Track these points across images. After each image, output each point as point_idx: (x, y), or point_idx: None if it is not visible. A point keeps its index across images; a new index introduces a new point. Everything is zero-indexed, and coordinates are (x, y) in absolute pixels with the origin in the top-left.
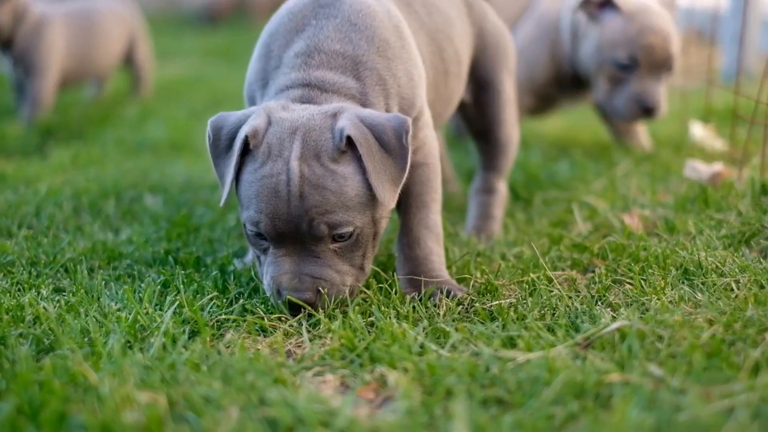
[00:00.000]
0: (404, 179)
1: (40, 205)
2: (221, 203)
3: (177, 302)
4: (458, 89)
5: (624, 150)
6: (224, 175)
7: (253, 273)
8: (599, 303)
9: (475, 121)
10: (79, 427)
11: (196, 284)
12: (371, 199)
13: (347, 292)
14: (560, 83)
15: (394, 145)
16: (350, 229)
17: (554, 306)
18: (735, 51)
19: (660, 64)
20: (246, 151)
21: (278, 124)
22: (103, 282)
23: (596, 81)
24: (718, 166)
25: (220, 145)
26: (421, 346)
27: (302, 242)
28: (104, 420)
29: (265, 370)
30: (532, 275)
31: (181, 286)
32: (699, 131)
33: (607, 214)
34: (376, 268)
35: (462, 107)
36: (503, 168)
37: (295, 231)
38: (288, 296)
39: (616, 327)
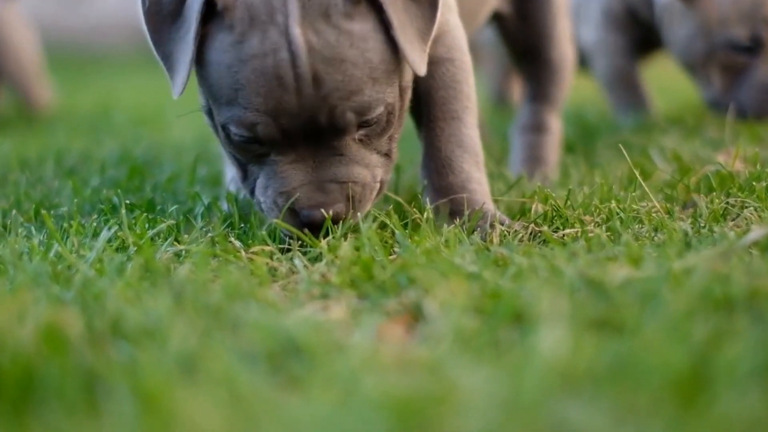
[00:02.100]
0: (434, 31)
1: None
2: (176, 93)
3: (115, 228)
4: None
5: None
6: (176, 55)
7: (227, 206)
8: (715, 228)
9: (517, 37)
10: None
11: (148, 224)
12: (397, 63)
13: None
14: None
15: None
16: (381, 109)
17: (655, 229)
18: None
19: None
20: (210, 15)
21: None
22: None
23: (704, 75)
24: None
25: (163, 9)
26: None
27: (318, 139)
28: None
29: (235, 290)
30: (614, 203)
31: (126, 227)
32: None
33: (695, 154)
34: (399, 199)
35: (500, 22)
36: (556, 98)
37: (310, 128)
38: (310, 215)
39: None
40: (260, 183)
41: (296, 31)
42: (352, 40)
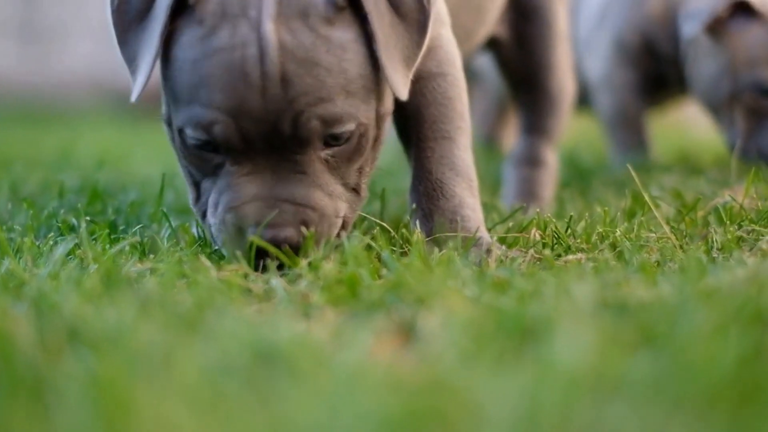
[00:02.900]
0: (420, 57)
1: None
2: (134, 94)
3: (74, 242)
4: (492, 0)
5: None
6: (140, 53)
7: (196, 230)
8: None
9: (514, 64)
10: None
11: (110, 243)
12: (377, 83)
13: (313, 233)
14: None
15: (409, 4)
16: (352, 126)
17: (668, 257)
18: None
19: None
20: (180, 12)
21: None
22: None
23: (728, 117)
24: None
25: (131, 8)
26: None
27: (279, 151)
28: None
29: (207, 300)
30: (618, 231)
31: (85, 242)
32: None
33: (699, 192)
34: (384, 224)
35: (497, 48)
36: (553, 130)
37: (271, 134)
38: (253, 238)
39: None
40: (211, 200)
41: (268, 27)
42: (328, 45)
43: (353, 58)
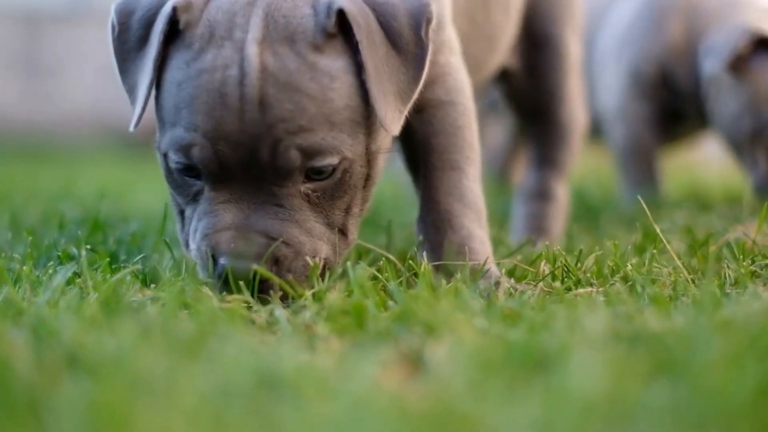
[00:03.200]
0: (417, 93)
1: None
2: (132, 123)
3: (73, 269)
4: (503, 29)
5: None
6: (138, 81)
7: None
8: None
9: (525, 95)
10: None
11: (110, 272)
12: (367, 116)
13: (318, 264)
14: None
15: (407, 37)
16: (335, 159)
17: (681, 291)
18: None
19: None
20: (174, 37)
21: None
22: None
23: (750, 155)
24: None
25: (131, 36)
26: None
27: (258, 180)
28: None
29: (210, 326)
30: (629, 265)
31: (85, 269)
32: None
33: (710, 228)
34: (390, 256)
35: (508, 79)
36: (564, 163)
37: (249, 161)
38: (225, 265)
39: None
40: (192, 227)
41: (251, 49)
42: (314, 72)
43: (340, 88)
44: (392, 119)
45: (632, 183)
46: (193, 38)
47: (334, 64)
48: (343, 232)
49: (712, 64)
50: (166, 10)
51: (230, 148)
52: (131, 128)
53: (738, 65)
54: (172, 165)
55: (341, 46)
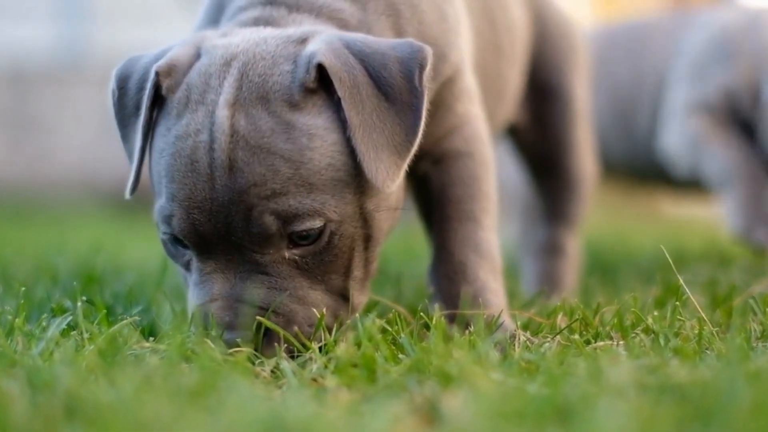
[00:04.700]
0: (416, 146)
1: None
2: (127, 191)
3: (69, 318)
4: (511, 82)
5: None
6: (133, 147)
7: None
8: None
9: (533, 147)
10: None
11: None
12: (357, 174)
13: (324, 314)
14: None
15: (399, 86)
16: (317, 223)
17: (706, 344)
18: None
19: None
20: (162, 101)
21: (208, 55)
22: None
23: None
24: None
25: (128, 101)
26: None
27: (240, 249)
28: None
29: (214, 374)
30: (650, 318)
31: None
32: None
33: (732, 281)
34: (400, 308)
35: (516, 134)
36: (575, 216)
37: (226, 229)
38: (224, 338)
39: None
40: (189, 295)
41: (221, 112)
42: (290, 132)
43: (321, 147)
44: (386, 175)
45: (738, 204)
46: (173, 103)
47: (314, 121)
48: (343, 295)
49: None
50: (151, 75)
51: (204, 216)
52: (126, 195)
53: None
54: (161, 236)
55: (324, 102)
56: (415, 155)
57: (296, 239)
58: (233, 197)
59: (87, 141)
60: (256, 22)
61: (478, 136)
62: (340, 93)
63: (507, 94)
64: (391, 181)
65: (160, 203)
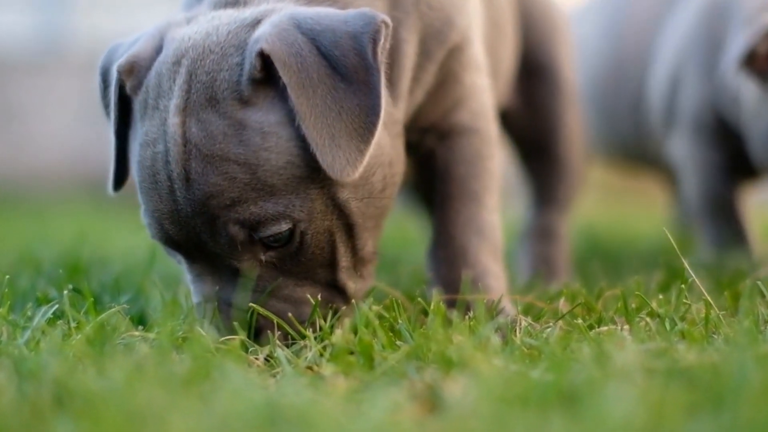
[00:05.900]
0: (379, 127)
1: None
2: (109, 189)
3: (55, 307)
4: (506, 62)
5: None
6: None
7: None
8: None
9: (523, 130)
10: None
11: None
12: (318, 168)
13: (319, 301)
14: None
15: (354, 64)
16: (283, 226)
17: (712, 328)
18: None
19: None
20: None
21: (164, 52)
22: None
23: None
24: None
25: (108, 101)
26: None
27: (217, 256)
28: None
29: (206, 361)
30: (654, 302)
31: (69, 311)
32: None
33: (736, 269)
34: (396, 293)
35: (506, 119)
36: (566, 199)
37: (196, 239)
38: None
39: None
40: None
41: (172, 120)
42: (243, 134)
43: (277, 145)
44: (346, 163)
45: (712, 239)
46: (137, 105)
47: (267, 117)
48: (335, 286)
49: (726, 65)
50: (113, 74)
51: (175, 227)
52: (109, 191)
53: (760, 68)
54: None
55: (276, 93)
56: (421, 129)
57: (268, 243)
58: (195, 209)
59: (69, 129)
60: (226, 2)
61: (484, 111)
62: (285, 79)
63: (502, 75)
64: (352, 168)
65: (141, 209)
